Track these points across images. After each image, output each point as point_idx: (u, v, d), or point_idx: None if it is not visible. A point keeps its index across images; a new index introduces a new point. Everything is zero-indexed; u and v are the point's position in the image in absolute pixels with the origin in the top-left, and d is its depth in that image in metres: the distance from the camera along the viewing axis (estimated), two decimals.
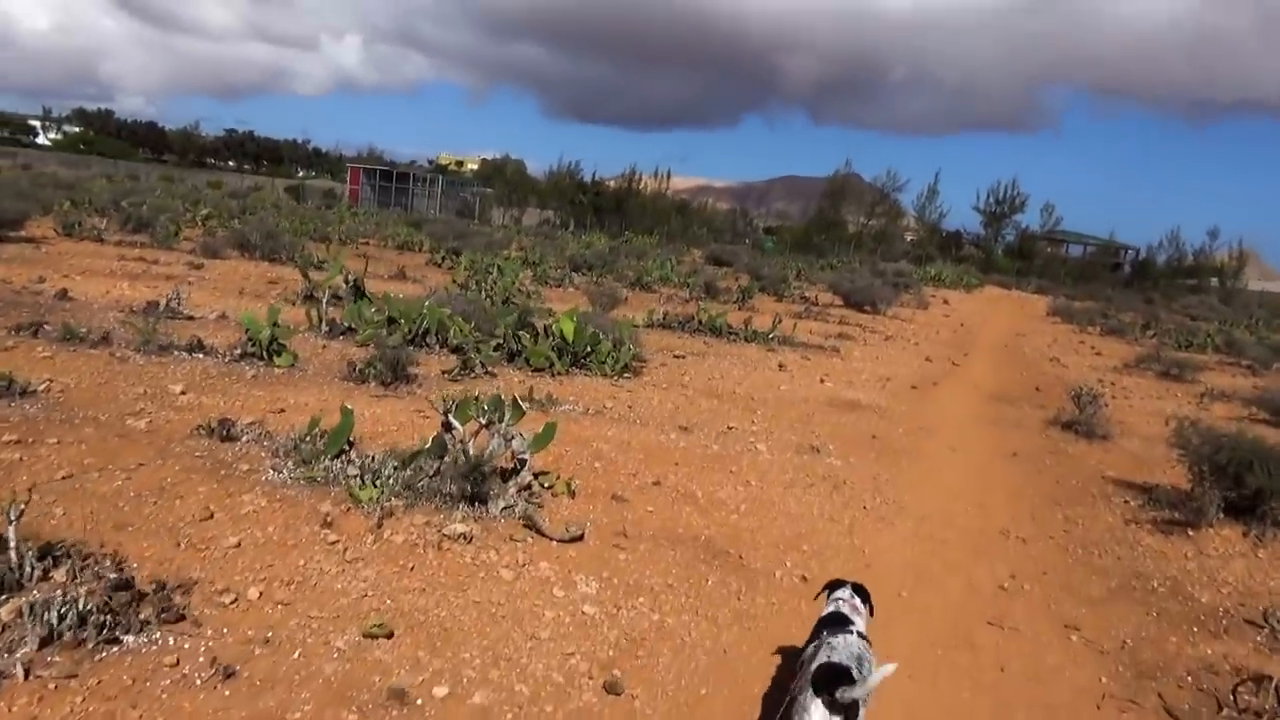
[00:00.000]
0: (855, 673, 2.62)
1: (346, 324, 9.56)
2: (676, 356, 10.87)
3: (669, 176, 59.72)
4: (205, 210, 26.04)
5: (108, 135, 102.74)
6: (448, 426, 4.91)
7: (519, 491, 4.80)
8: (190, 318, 9.63)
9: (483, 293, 13.50)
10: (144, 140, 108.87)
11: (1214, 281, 49.83)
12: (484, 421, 4.78)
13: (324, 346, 8.86)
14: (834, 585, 3.37)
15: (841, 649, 2.74)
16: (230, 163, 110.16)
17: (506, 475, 4.89)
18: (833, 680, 2.58)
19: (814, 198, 60.28)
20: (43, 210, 19.80)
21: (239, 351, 7.72)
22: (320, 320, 9.59)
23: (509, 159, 76.17)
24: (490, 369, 8.35)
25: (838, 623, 3.00)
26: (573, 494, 5.07)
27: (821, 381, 10.55)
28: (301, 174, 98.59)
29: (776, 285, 23.52)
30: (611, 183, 57.64)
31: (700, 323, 13.55)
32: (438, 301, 10.09)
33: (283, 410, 6.15)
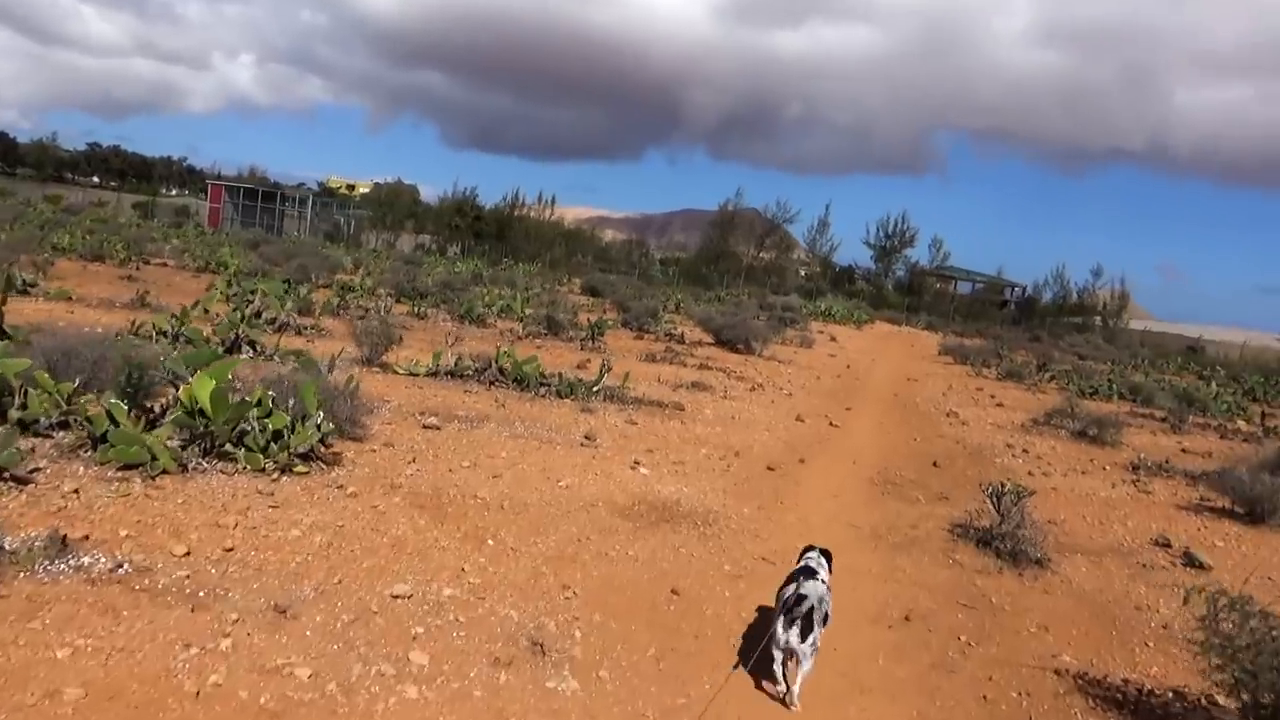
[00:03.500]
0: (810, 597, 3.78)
1: None
2: (426, 427, 7.39)
3: (554, 203, 56.91)
4: None
5: None
6: None
7: None
8: None
9: (213, 327, 9.75)
10: None
11: (1097, 320, 49.32)
12: None
13: None
14: (806, 549, 4.39)
15: (808, 588, 3.85)
16: (95, 178, 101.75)
17: None
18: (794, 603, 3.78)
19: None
20: None
21: None
22: None
23: (400, 183, 71.71)
24: (26, 471, 4.69)
25: (808, 573, 4.05)
26: None
27: (635, 466, 7.23)
28: (174, 192, 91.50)
29: (643, 320, 20.38)
30: (499, 209, 54.42)
31: (502, 371, 10.13)
32: (31, 346, 6.37)
33: None
